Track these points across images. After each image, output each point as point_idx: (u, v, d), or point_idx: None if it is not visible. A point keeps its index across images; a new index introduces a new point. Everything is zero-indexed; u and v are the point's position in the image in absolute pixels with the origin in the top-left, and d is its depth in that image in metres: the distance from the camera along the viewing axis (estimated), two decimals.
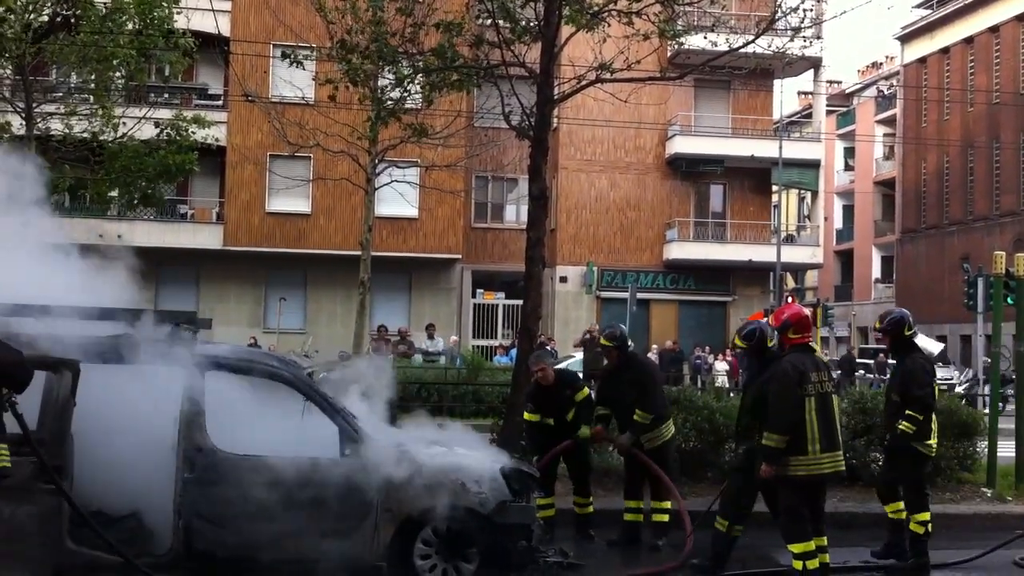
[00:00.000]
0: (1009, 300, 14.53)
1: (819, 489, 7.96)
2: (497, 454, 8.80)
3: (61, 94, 21.14)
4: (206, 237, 33.44)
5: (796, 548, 7.78)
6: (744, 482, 8.44)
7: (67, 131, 20.03)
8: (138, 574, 7.09)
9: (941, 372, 36.61)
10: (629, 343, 10.27)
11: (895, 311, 9.42)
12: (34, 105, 19.30)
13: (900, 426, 8.87)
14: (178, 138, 20.78)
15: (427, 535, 7.78)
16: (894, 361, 9.50)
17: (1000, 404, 13.58)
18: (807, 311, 8.39)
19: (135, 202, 22.54)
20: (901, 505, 9.23)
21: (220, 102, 33.18)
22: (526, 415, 10.40)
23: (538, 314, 12.13)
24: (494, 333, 36.45)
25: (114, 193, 22.63)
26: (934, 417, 9.11)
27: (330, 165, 25.54)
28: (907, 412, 8.83)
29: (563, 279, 36.22)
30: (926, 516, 9.07)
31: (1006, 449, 12.71)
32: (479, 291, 37.01)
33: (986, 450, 12.48)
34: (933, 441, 9.12)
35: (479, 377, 20.51)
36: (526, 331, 12.04)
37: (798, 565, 7.76)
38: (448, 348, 26.43)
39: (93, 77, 20.34)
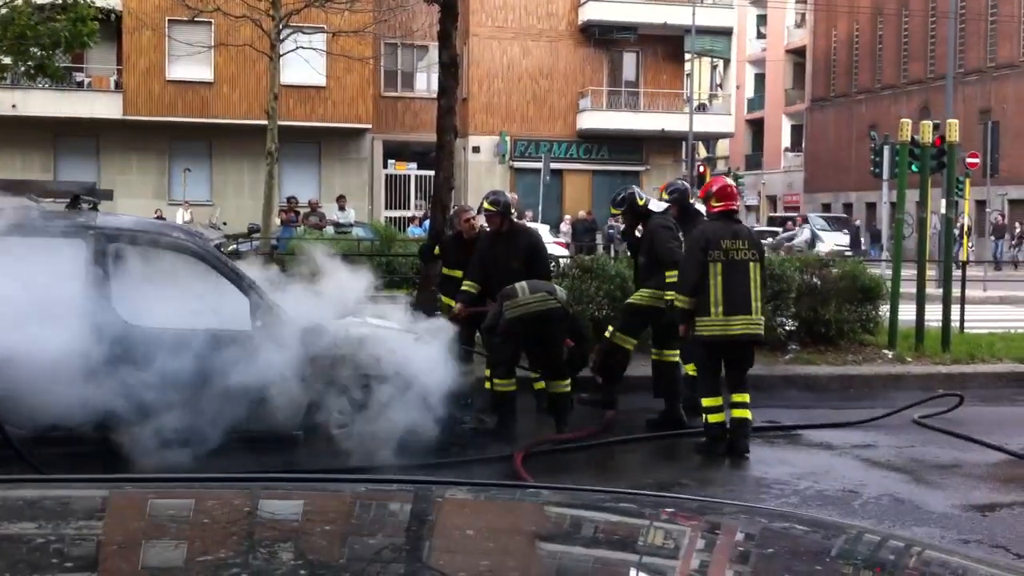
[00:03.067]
0: (914, 167, 14.83)
1: (733, 349, 8.20)
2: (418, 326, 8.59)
3: None
4: (104, 106, 32.31)
5: (704, 402, 8.31)
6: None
7: None
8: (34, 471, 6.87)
9: (840, 238, 37.64)
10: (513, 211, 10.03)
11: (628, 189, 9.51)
12: None
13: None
14: (75, 4, 19.71)
15: (342, 405, 7.78)
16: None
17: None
18: (732, 183, 8.68)
19: (31, 72, 21.51)
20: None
21: None
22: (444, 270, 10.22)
23: (451, 185, 12.01)
24: (407, 204, 36.19)
25: (7, 61, 21.57)
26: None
27: (232, 31, 24.69)
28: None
29: (476, 149, 35.92)
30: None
31: (907, 313, 13.10)
32: (390, 161, 36.58)
33: (888, 313, 12.87)
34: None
35: (392, 248, 20.35)
36: (439, 202, 11.92)
37: (704, 417, 8.33)
38: None
39: None
